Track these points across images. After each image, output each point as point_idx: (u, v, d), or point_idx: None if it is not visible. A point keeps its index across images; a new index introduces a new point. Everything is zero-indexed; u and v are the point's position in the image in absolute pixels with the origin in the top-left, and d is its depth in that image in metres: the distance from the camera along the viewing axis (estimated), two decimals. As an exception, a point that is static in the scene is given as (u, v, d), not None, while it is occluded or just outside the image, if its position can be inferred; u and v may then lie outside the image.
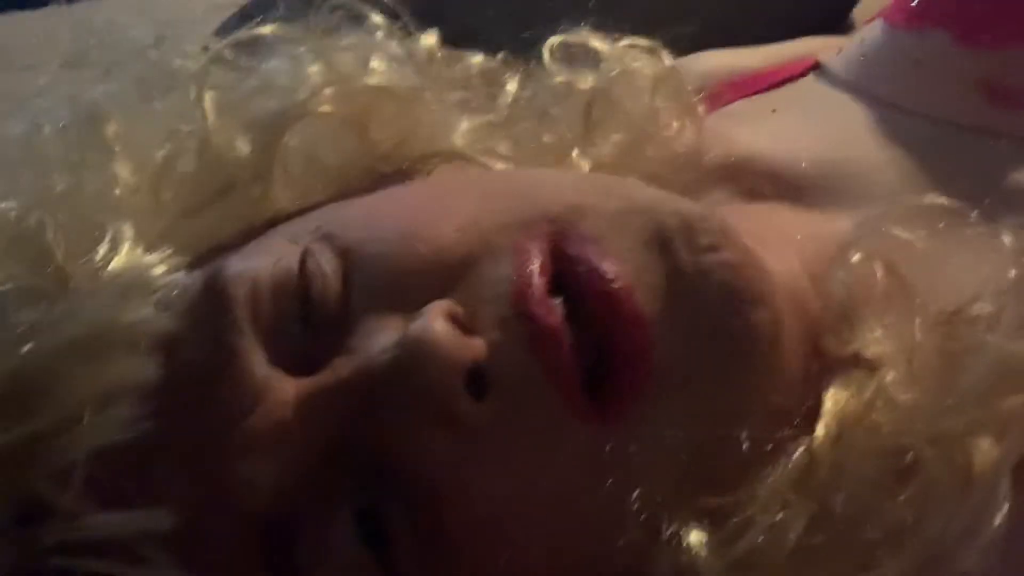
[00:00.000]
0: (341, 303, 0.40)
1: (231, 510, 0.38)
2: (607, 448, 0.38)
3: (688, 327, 0.39)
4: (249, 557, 0.39)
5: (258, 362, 0.39)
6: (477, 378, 0.38)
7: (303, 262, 0.41)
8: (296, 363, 0.40)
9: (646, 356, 0.39)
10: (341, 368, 0.39)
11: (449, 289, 0.40)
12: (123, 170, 0.47)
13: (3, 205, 0.45)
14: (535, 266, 0.39)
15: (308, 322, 0.40)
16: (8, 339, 0.39)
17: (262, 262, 0.42)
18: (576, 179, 0.50)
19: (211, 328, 0.40)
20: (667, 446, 0.39)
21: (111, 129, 0.48)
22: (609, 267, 0.39)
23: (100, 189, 0.46)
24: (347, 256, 0.41)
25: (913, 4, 0.54)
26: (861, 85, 0.55)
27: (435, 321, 0.38)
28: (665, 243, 0.40)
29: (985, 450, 0.39)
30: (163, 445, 0.38)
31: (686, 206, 0.42)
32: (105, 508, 0.37)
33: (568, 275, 0.39)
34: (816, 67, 0.58)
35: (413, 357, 0.37)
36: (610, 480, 0.38)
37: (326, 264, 0.41)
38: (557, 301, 0.39)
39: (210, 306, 0.40)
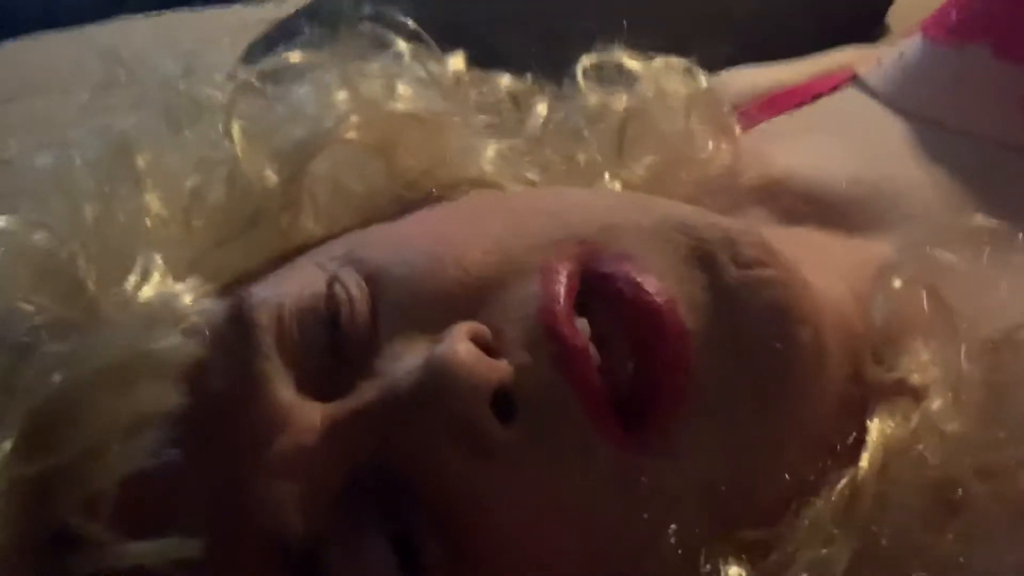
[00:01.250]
0: (368, 327, 0.40)
1: (259, 535, 0.38)
2: (638, 472, 0.38)
3: (731, 345, 0.39)
4: None
5: (283, 388, 0.39)
6: (504, 400, 0.38)
7: (330, 287, 0.41)
8: (323, 388, 0.40)
9: (686, 369, 0.38)
10: (366, 392, 0.39)
11: (475, 310, 0.39)
12: (153, 201, 0.47)
13: (36, 237, 0.45)
14: (562, 286, 0.39)
15: (335, 347, 0.40)
16: (38, 370, 0.39)
17: (288, 288, 0.42)
18: (607, 198, 0.50)
19: (236, 355, 0.40)
20: (703, 471, 0.38)
21: (141, 160, 0.48)
22: (650, 281, 0.39)
23: (131, 220, 0.46)
24: (374, 280, 0.41)
25: (952, 18, 0.53)
26: (900, 101, 0.54)
27: (459, 343, 0.37)
28: (708, 258, 0.39)
29: None
30: (190, 472, 0.38)
31: (727, 221, 0.42)
32: (134, 536, 0.37)
33: (602, 292, 0.39)
34: (854, 79, 0.57)
35: (437, 380, 0.37)
36: (642, 507, 0.37)
37: (353, 288, 0.41)
38: (583, 322, 0.39)
39: (235, 333, 0.40)
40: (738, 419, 0.38)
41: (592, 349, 0.38)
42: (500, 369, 0.38)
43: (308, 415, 0.39)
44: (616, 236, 0.40)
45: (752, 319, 0.39)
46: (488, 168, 0.51)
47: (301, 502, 0.38)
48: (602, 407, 0.38)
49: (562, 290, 0.39)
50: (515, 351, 0.38)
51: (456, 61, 0.55)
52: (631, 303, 0.38)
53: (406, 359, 0.39)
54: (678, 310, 0.38)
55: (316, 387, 0.40)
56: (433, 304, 0.40)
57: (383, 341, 0.40)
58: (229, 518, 0.38)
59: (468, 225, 0.43)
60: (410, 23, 0.53)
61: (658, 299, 0.38)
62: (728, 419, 0.38)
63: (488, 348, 0.38)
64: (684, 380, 0.38)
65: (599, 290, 0.39)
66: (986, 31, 0.51)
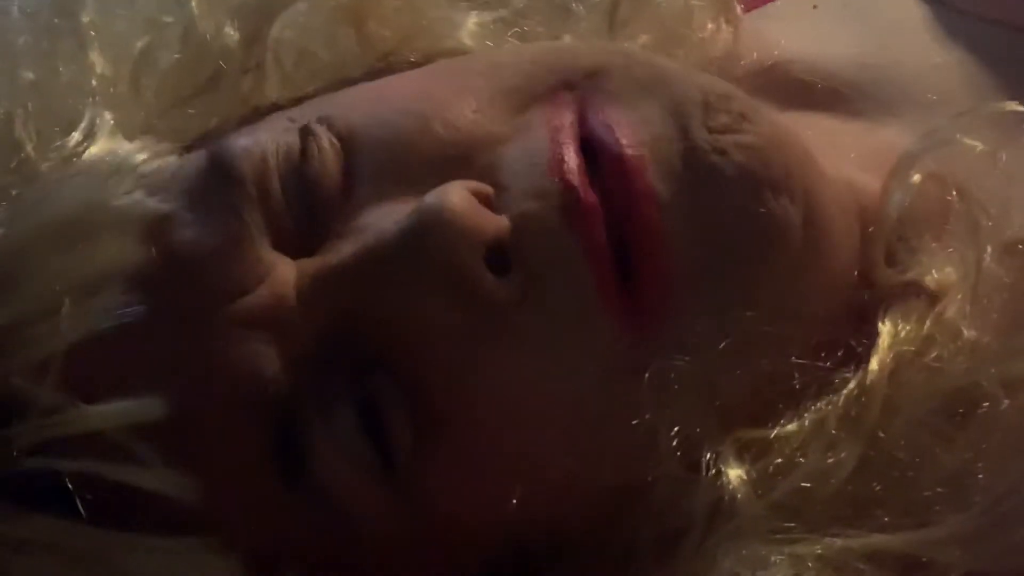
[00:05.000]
0: (343, 188, 0.37)
1: (233, 390, 0.35)
2: (636, 351, 0.35)
3: (704, 215, 0.36)
4: (252, 446, 0.35)
5: (263, 241, 0.37)
6: (499, 255, 0.35)
7: (304, 140, 0.38)
8: (299, 247, 0.37)
9: (658, 235, 0.35)
10: (345, 247, 0.36)
11: (469, 169, 0.37)
12: (99, 60, 0.44)
13: None
14: (571, 137, 0.36)
15: (311, 205, 0.37)
16: None
17: (267, 139, 0.38)
18: (593, 44, 0.47)
19: (216, 205, 0.37)
20: (706, 358, 0.35)
21: (85, 17, 0.45)
22: (627, 131, 0.36)
23: (75, 79, 0.43)
24: (351, 140, 0.38)
25: None
26: None
27: (454, 190, 0.35)
28: (683, 118, 0.37)
29: None
30: (155, 331, 0.35)
31: (710, 81, 0.39)
32: (88, 401, 0.34)
33: (589, 140, 0.36)
34: None
35: (426, 227, 0.34)
36: (639, 396, 0.35)
37: (327, 145, 0.38)
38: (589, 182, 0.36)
39: (215, 183, 0.37)
40: (726, 301, 0.36)
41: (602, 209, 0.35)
42: (498, 221, 0.35)
43: (285, 270, 0.36)
44: (604, 76, 0.38)
45: (722, 186, 0.36)
46: (468, 41, 0.48)
47: (278, 355, 0.35)
48: (608, 274, 0.35)
49: (572, 141, 0.36)
50: (518, 202, 0.36)
51: None
52: (606, 153, 0.36)
53: (391, 214, 0.36)
54: (647, 169, 0.36)
55: (290, 245, 0.37)
56: (420, 165, 0.37)
57: (362, 202, 0.37)
58: (199, 376, 0.35)
59: (452, 82, 0.40)
60: None
61: (629, 153, 0.36)
62: (716, 300, 0.36)
63: (486, 203, 0.36)
64: (663, 251, 0.35)
65: (590, 136, 0.37)
66: None
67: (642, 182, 0.35)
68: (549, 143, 0.36)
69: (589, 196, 0.35)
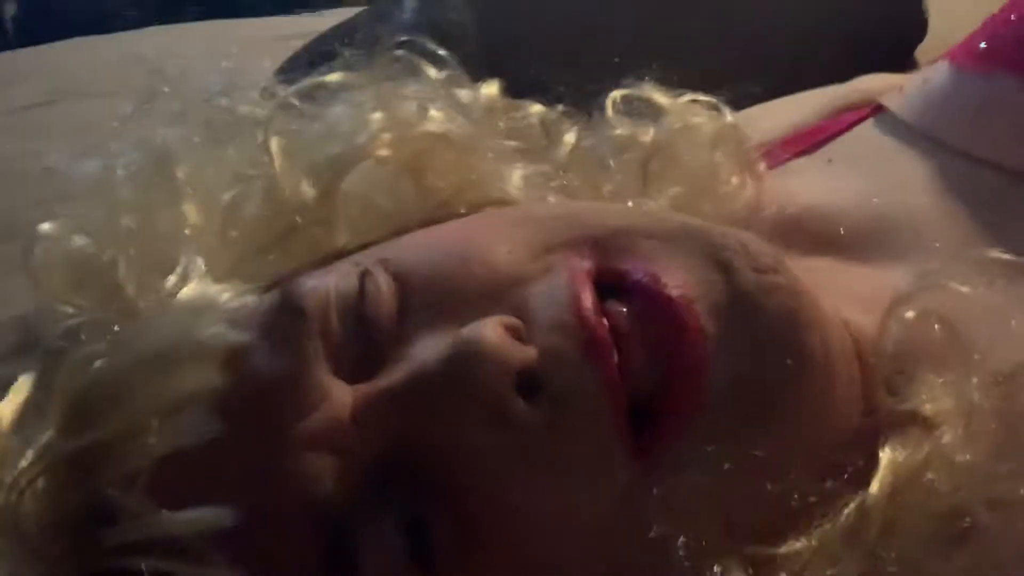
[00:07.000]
0: (396, 321, 0.42)
1: (294, 505, 0.39)
2: (649, 483, 0.39)
3: (745, 348, 0.39)
4: (308, 556, 0.39)
5: (323, 369, 0.41)
6: (529, 383, 0.39)
7: (361, 281, 0.42)
8: (355, 374, 0.41)
9: (705, 374, 0.39)
10: (395, 374, 0.40)
11: (502, 305, 0.41)
12: (191, 211, 0.49)
13: (77, 241, 0.49)
14: (587, 279, 0.41)
15: (366, 337, 0.42)
16: (80, 358, 0.41)
17: (332, 280, 0.43)
18: (621, 207, 0.52)
19: (283, 338, 0.41)
20: (715, 480, 0.38)
21: (181, 172, 0.50)
22: (670, 277, 0.40)
23: (170, 228, 0.48)
24: (402, 279, 0.43)
25: (981, 47, 0.53)
26: (922, 129, 0.54)
27: (488, 325, 0.39)
28: (725, 262, 0.41)
29: None
30: (228, 449, 0.40)
31: (739, 231, 0.43)
32: (169, 508, 0.39)
33: (619, 289, 0.40)
34: (877, 110, 0.58)
35: (464, 357, 0.39)
36: (651, 518, 0.38)
37: (383, 284, 0.42)
38: (604, 320, 0.40)
39: (284, 318, 0.42)
40: (749, 428, 0.39)
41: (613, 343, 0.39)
42: (527, 351, 0.39)
43: (342, 394, 0.41)
44: (631, 239, 0.42)
45: (766, 323, 0.40)
46: (513, 192, 0.52)
47: (333, 474, 0.39)
48: (621, 405, 0.39)
49: (587, 283, 0.40)
50: (542, 336, 0.40)
51: (490, 88, 0.56)
52: (652, 298, 0.40)
53: (435, 344, 0.40)
54: (697, 309, 0.40)
55: (348, 373, 0.41)
56: (459, 300, 0.41)
57: (411, 333, 0.41)
58: (265, 491, 0.39)
59: (492, 229, 0.45)
60: (444, 52, 0.55)
61: (677, 295, 0.40)
62: (739, 428, 0.39)
63: (516, 336, 0.40)
64: (703, 386, 0.39)
65: (616, 287, 0.41)
66: (1015, 61, 0.51)
67: (690, 317, 0.39)
68: (568, 283, 0.40)
69: (603, 332, 0.39)
